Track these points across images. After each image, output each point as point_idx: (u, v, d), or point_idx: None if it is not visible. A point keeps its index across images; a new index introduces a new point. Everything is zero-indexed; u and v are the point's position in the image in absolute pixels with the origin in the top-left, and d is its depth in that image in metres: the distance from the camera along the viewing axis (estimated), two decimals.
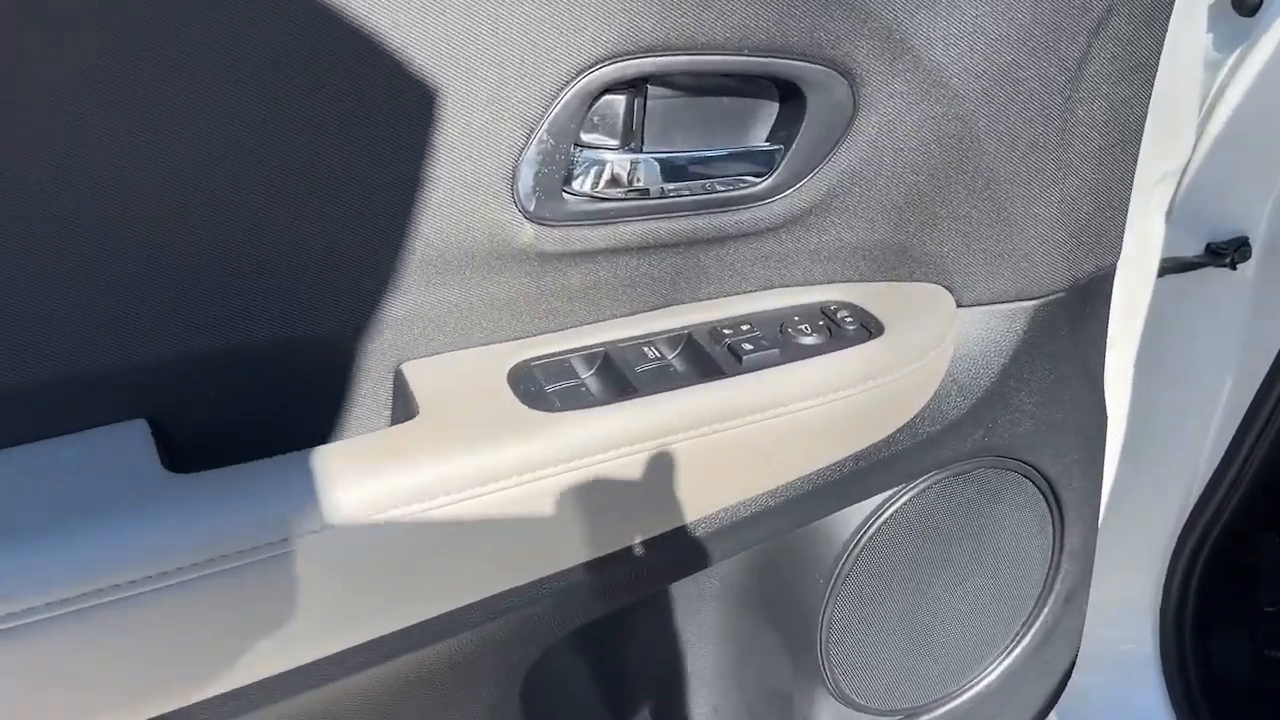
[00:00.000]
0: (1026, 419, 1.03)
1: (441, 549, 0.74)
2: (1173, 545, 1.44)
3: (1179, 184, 1.24)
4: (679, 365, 0.86)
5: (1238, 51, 1.21)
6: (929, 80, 0.82)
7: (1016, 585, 1.14)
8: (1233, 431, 1.35)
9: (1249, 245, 1.27)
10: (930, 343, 0.92)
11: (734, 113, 0.84)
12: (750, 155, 0.85)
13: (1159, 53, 0.93)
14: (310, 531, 0.68)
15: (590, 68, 0.73)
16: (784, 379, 0.84)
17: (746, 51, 0.78)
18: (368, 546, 0.70)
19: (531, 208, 0.76)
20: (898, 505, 1.01)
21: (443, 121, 0.69)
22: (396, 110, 0.68)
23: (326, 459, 0.71)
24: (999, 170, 0.88)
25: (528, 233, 0.78)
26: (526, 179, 0.75)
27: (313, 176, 0.68)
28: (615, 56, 0.73)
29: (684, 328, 0.89)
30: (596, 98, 0.76)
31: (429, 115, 0.69)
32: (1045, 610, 1.17)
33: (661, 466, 0.81)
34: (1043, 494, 1.09)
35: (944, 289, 0.96)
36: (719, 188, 0.84)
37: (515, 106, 0.71)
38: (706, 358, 0.86)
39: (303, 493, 0.69)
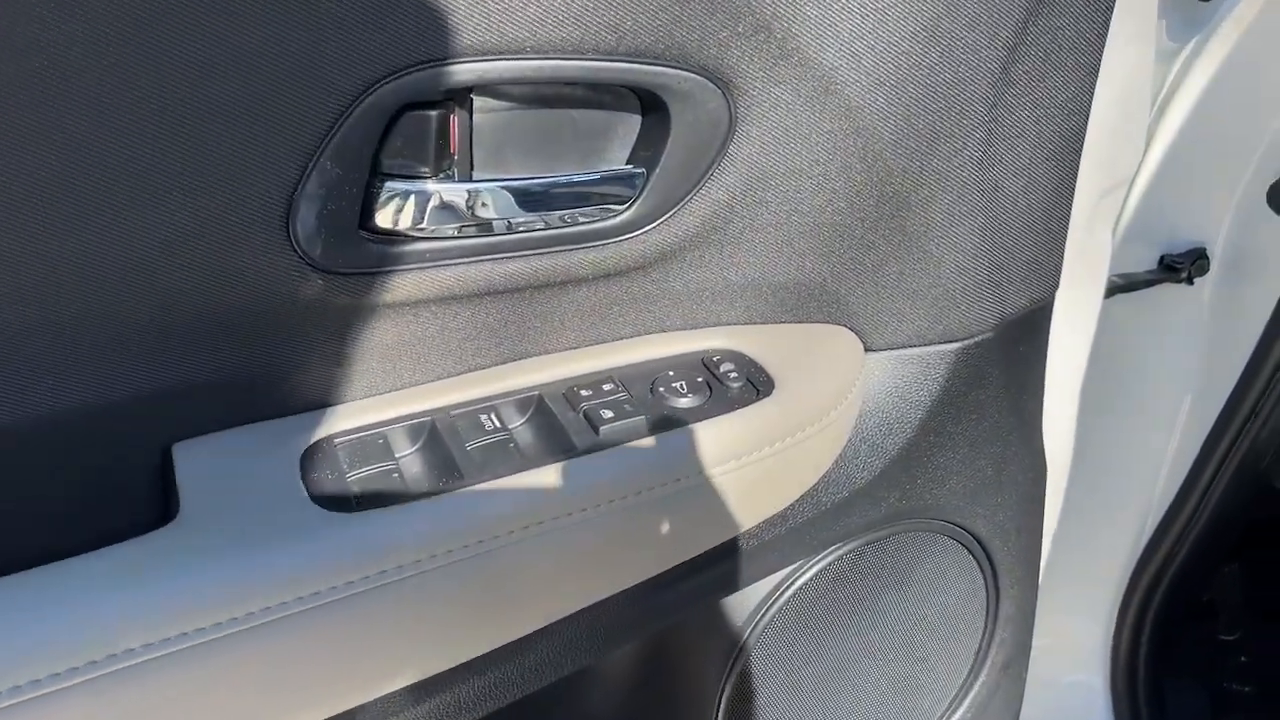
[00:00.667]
0: (951, 477, 0.89)
1: (206, 688, 0.59)
2: (1126, 583, 1.32)
3: (1128, 193, 1.10)
4: (522, 438, 0.71)
5: (1194, 41, 1.07)
6: (820, 88, 0.67)
7: (947, 657, 1.00)
8: (1190, 461, 1.22)
9: (1207, 258, 1.13)
10: (832, 399, 0.77)
11: (585, 130, 0.69)
12: (607, 180, 0.69)
13: (1101, 46, 0.78)
14: (12, 687, 0.53)
15: (385, 78, 0.57)
16: (649, 454, 0.69)
17: (591, 55, 0.62)
18: (104, 695, 0.55)
19: (317, 253, 0.61)
20: (801, 582, 0.87)
21: (191, 151, 0.54)
22: (135, 137, 0.52)
23: (52, 582, 0.56)
24: (910, 194, 0.73)
25: (315, 285, 0.62)
26: (307, 219, 0.60)
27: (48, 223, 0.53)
28: (418, 64, 0.57)
29: (534, 388, 0.73)
30: (398, 114, 0.60)
31: (173, 143, 0.53)
32: (980, 681, 1.03)
33: (494, 571, 0.66)
34: (973, 556, 0.95)
35: (849, 332, 0.81)
36: (573, 220, 0.69)
37: (284, 129, 0.56)
38: (557, 428, 0.71)
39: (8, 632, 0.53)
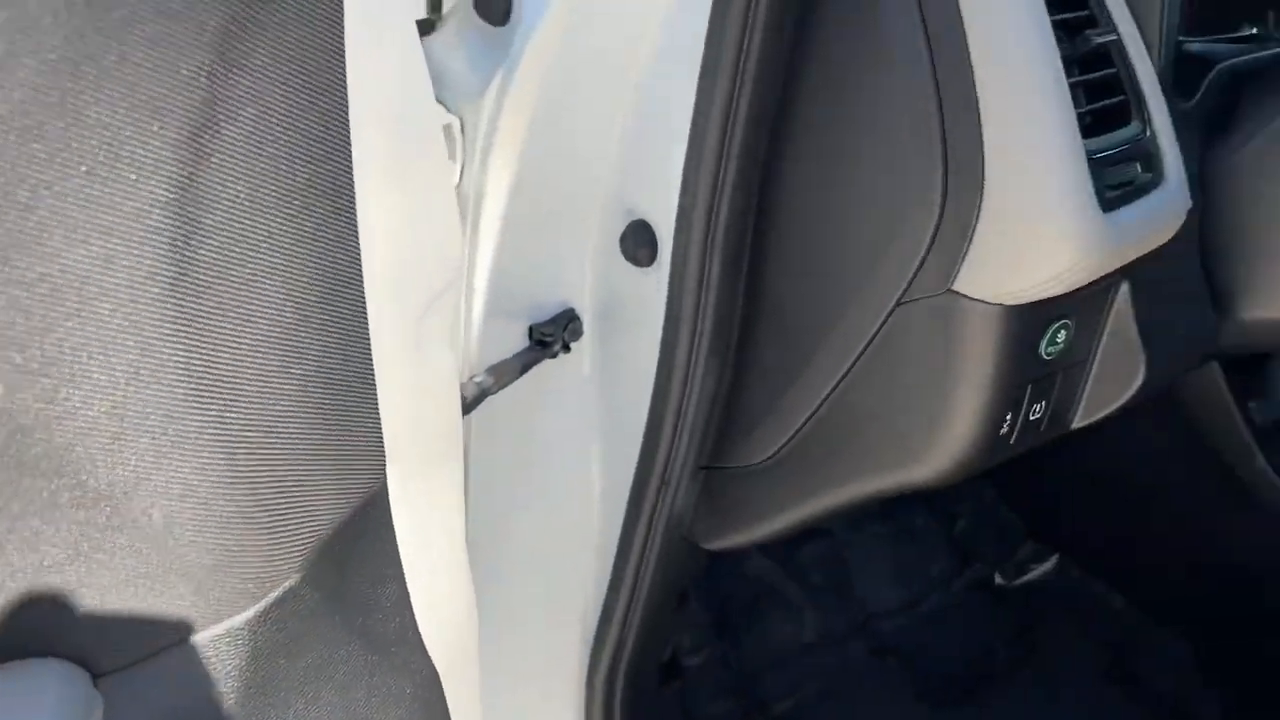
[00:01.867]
0: None
1: None
2: (584, 682, 1.15)
3: (464, 284, 0.89)
4: None
5: (501, 71, 0.86)
6: None
7: None
8: (617, 536, 1.07)
9: (578, 318, 0.96)
10: None
11: None
12: None
13: (343, 90, 0.53)
14: None
15: None
16: None
17: None
18: None
19: None
20: None
21: None
22: None
23: None
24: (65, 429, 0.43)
25: None
26: None
27: None
28: None
29: None
30: None
31: None
32: None
33: None
34: None
35: (66, 664, 0.50)
36: None
37: None
38: None
39: None
